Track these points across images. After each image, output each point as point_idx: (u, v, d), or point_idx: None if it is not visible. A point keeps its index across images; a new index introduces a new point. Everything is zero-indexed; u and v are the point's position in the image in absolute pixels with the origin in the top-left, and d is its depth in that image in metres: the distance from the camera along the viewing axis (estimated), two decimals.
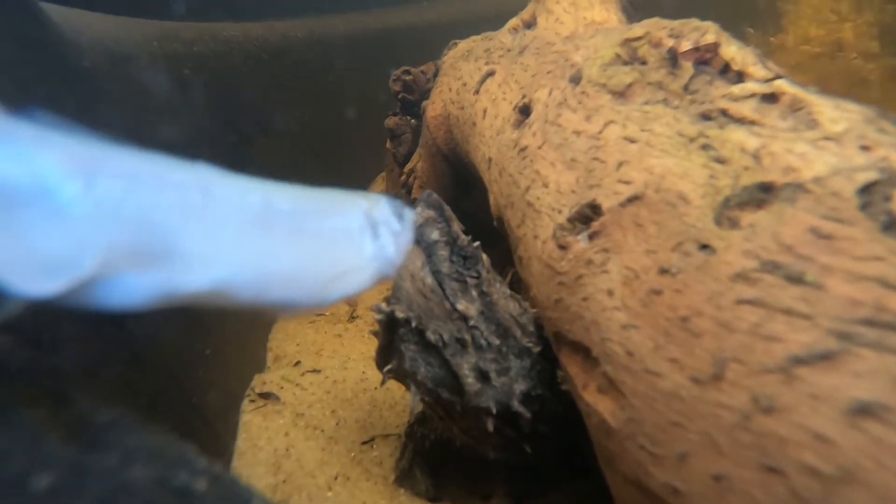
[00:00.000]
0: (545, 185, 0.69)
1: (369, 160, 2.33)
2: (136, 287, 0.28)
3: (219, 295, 0.32)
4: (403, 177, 1.69)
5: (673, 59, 0.68)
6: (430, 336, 0.66)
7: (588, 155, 0.63)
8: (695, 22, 0.74)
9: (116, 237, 0.27)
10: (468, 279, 0.70)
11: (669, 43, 0.70)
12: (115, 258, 0.27)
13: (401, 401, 1.03)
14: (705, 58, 0.69)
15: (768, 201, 0.43)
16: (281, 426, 0.93)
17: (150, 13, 1.28)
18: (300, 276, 0.35)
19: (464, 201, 1.69)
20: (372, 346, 0.77)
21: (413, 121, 1.99)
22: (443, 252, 0.70)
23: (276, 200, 0.36)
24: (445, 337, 0.66)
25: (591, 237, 0.56)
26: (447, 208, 0.75)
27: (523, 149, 0.78)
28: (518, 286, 1.22)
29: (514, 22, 1.19)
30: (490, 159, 0.94)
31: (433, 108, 1.49)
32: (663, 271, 0.45)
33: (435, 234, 0.71)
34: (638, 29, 0.72)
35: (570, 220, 0.61)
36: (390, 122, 2.04)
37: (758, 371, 0.33)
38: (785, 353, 0.32)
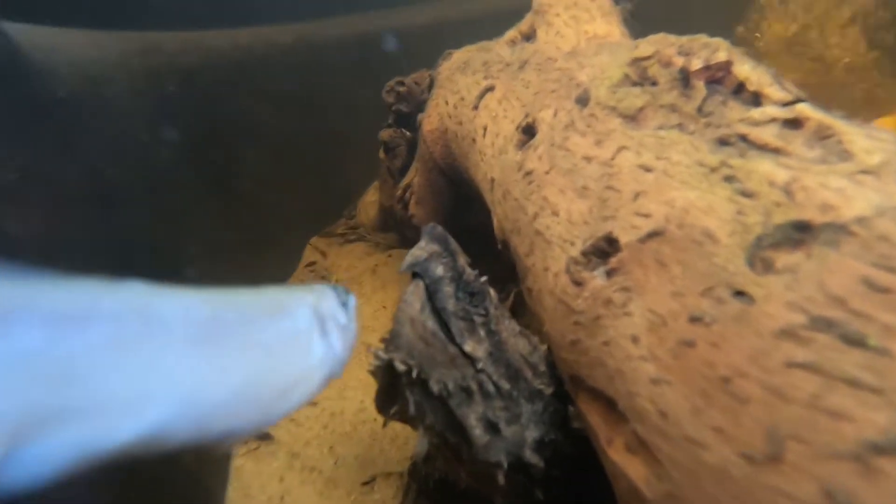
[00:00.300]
0: (555, 214, 0.65)
1: (360, 169, 2.27)
2: (51, 453, 0.24)
3: (152, 442, 0.28)
4: (399, 192, 1.66)
5: (685, 79, 0.65)
6: (434, 386, 0.61)
7: (601, 183, 0.60)
8: (703, 38, 0.71)
9: (31, 399, 0.23)
10: (475, 317, 0.65)
11: (680, 62, 0.67)
12: (27, 425, 0.23)
13: (402, 433, 0.99)
14: (717, 77, 0.66)
15: (806, 242, 0.40)
16: (275, 470, 0.88)
17: (127, 23, 1.19)
18: (246, 399, 0.32)
19: (466, 215, 1.66)
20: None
21: (408, 133, 1.96)
22: (448, 288, 0.65)
23: (221, 309, 0.33)
24: (450, 386, 0.61)
25: (609, 274, 0.52)
26: (452, 241, 0.71)
27: (529, 172, 0.74)
28: (521, 309, 1.18)
29: (511, 34, 1.16)
30: (493, 180, 0.91)
31: (430, 121, 1.45)
32: (694, 319, 0.41)
33: (440, 270, 0.66)
34: (646, 47, 0.69)
35: (584, 253, 0.57)
36: (384, 134, 2.00)
37: (826, 455, 0.29)
38: (858, 437, 0.29)
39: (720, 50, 0.67)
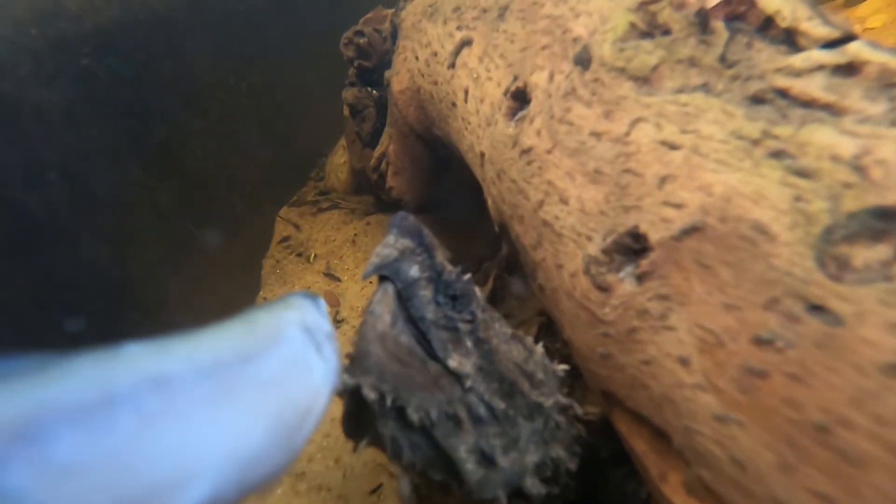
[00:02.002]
0: (564, 202, 0.57)
1: (322, 126, 2.09)
2: None
3: None
4: (373, 161, 1.53)
5: (703, 22, 0.55)
6: (413, 415, 0.50)
7: (616, 165, 0.52)
8: None
9: None
10: (460, 325, 0.53)
11: (695, 0, 0.57)
12: None
13: None
14: (738, 12, 0.56)
15: (891, 233, 0.33)
16: (280, 498, 0.83)
17: None
18: (274, 439, 0.31)
19: (444, 177, 1.55)
20: None
21: (374, 92, 1.79)
22: (425, 292, 0.53)
23: (222, 355, 0.30)
24: (433, 414, 0.51)
25: (641, 279, 0.46)
26: (427, 233, 0.57)
27: (526, 150, 0.65)
28: (502, 293, 1.11)
29: None
30: (482, 154, 0.81)
31: (399, 80, 1.31)
32: (761, 342, 0.35)
33: (414, 271, 0.53)
34: None
35: (605, 251, 0.50)
36: (348, 95, 1.82)
37: None
38: None
39: None
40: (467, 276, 0.58)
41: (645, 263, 0.45)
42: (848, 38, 0.46)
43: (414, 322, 0.52)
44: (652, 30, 0.56)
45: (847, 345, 0.31)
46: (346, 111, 1.81)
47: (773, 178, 0.40)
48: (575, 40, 0.62)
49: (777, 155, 0.41)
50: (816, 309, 0.33)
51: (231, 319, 0.33)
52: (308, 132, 2.10)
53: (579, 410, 0.60)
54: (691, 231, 0.43)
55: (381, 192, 1.62)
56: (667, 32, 0.55)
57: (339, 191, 2.13)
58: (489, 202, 0.81)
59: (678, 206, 0.44)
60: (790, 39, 0.51)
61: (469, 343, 0.54)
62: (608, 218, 0.51)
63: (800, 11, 0.50)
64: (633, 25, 0.57)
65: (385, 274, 0.52)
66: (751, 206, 0.40)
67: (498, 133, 0.74)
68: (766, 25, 0.53)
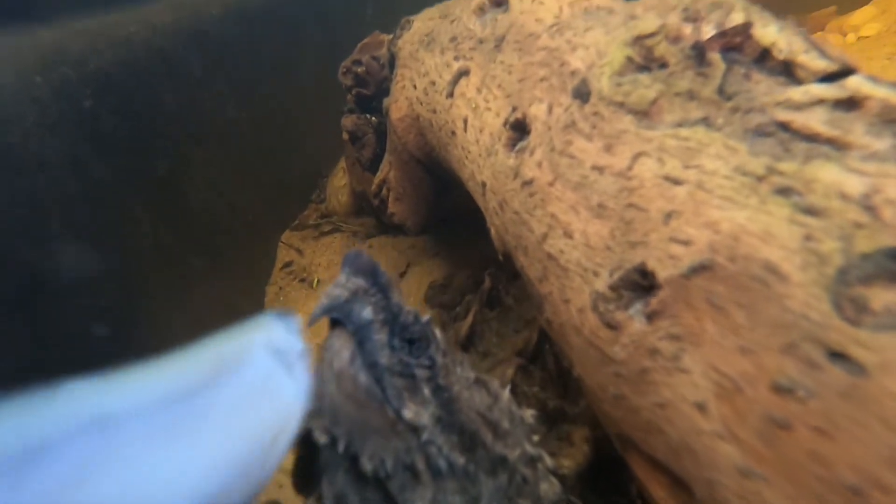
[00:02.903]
0: (568, 236, 0.56)
1: (321, 148, 2.09)
2: None
3: None
4: (374, 187, 1.54)
5: (699, 55, 0.55)
6: (367, 464, 0.47)
7: (620, 200, 0.51)
8: None
9: None
10: (417, 371, 0.49)
11: (689, 31, 0.57)
12: None
13: None
14: (734, 43, 0.56)
15: None
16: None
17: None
18: (242, 465, 0.30)
19: (444, 199, 1.56)
20: None
21: (373, 118, 1.81)
22: (380, 336, 0.49)
23: (180, 385, 0.29)
24: (388, 464, 0.47)
25: (651, 317, 0.45)
26: (383, 272, 0.54)
27: (528, 182, 0.65)
28: (500, 296, 1.08)
29: (478, 0, 1.01)
30: (484, 184, 0.81)
31: (397, 108, 1.32)
32: (782, 390, 0.34)
33: (367, 313, 0.50)
34: (649, 20, 0.58)
35: (613, 288, 0.49)
36: (347, 121, 1.84)
37: None
38: None
39: (735, 10, 0.57)
40: (426, 318, 0.54)
41: (654, 301, 0.45)
42: (846, 71, 0.46)
43: (368, 368, 0.48)
44: (649, 63, 0.56)
45: (873, 397, 0.30)
46: (345, 136, 1.83)
47: (780, 216, 0.40)
48: (573, 73, 0.63)
49: (784, 192, 0.41)
50: (837, 356, 0.33)
51: (193, 346, 0.32)
52: (308, 154, 2.11)
53: (549, 462, 0.56)
54: (700, 269, 0.42)
55: (383, 216, 1.63)
56: (664, 66, 0.55)
57: (341, 213, 2.13)
58: (492, 231, 0.80)
59: (685, 243, 0.44)
60: (788, 71, 0.51)
61: (426, 391, 0.50)
62: (614, 253, 0.51)
63: (796, 44, 0.50)
64: (629, 59, 0.57)
65: (336, 317, 0.49)
66: (760, 244, 0.39)
67: (499, 163, 0.74)
68: (763, 57, 0.53)
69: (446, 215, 1.65)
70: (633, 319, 0.46)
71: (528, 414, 0.58)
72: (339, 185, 2.15)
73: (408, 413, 0.47)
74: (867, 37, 2.08)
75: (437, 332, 0.54)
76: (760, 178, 0.42)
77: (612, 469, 0.74)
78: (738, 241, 0.40)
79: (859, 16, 2.17)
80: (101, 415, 0.25)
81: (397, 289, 0.54)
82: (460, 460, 0.49)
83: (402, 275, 1.83)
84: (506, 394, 0.57)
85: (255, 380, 0.33)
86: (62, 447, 0.23)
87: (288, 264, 1.98)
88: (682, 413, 0.40)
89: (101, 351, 0.75)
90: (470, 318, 1.06)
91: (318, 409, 0.47)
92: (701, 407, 0.38)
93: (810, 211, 0.39)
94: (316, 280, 1.91)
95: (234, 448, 0.30)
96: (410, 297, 1.71)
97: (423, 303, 1.68)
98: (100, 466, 0.24)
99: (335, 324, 0.50)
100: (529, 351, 0.92)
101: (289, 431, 0.34)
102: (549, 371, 0.88)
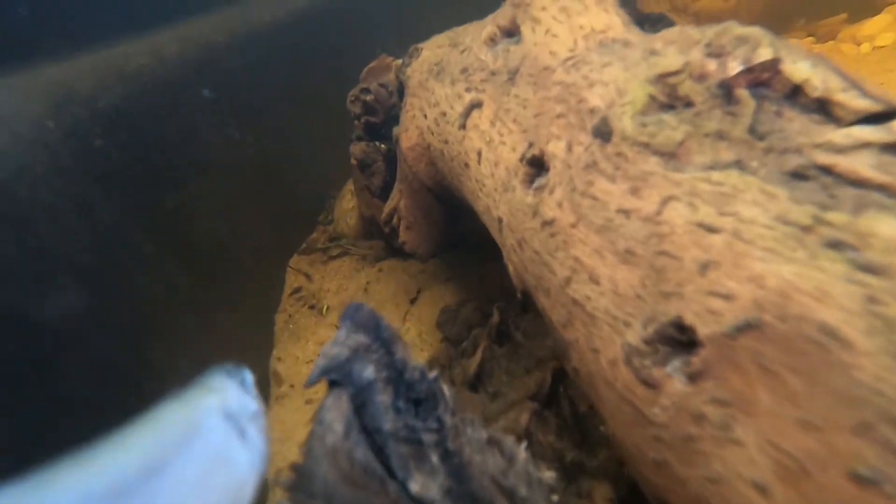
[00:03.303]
0: (594, 282, 0.54)
1: (327, 169, 2.09)
2: None
3: None
4: (385, 216, 1.53)
5: (726, 93, 0.53)
6: None
7: (650, 246, 0.49)
8: (735, 29, 0.58)
9: None
10: (424, 436, 0.45)
11: (713, 68, 0.55)
12: None
13: None
14: (762, 79, 0.54)
15: None
16: None
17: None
18: None
19: (455, 225, 1.54)
20: None
21: (383, 146, 1.81)
22: (383, 397, 0.45)
23: (120, 470, 0.27)
24: None
25: (693, 378, 0.42)
26: (386, 326, 0.50)
27: (548, 222, 0.63)
28: (493, 366, 1.02)
29: (489, 30, 1.00)
30: (500, 220, 0.79)
31: (408, 137, 1.31)
32: (861, 480, 0.31)
33: (369, 372, 0.46)
34: (670, 56, 0.56)
35: (647, 342, 0.46)
36: (356, 149, 1.84)
37: None
38: None
39: (762, 45, 0.55)
40: (433, 374, 0.49)
41: (696, 361, 0.41)
42: (891, 112, 0.43)
43: (370, 434, 0.44)
44: (673, 102, 0.54)
45: None
46: (354, 163, 1.82)
47: (835, 273, 0.37)
48: (591, 111, 0.61)
49: (835, 246, 0.38)
50: None
51: (139, 421, 0.31)
52: (315, 175, 2.11)
53: None
54: (746, 328, 0.39)
55: (394, 242, 1.61)
56: (689, 105, 0.53)
57: (349, 236, 2.12)
58: (510, 268, 0.78)
59: (727, 298, 0.41)
60: (824, 109, 0.48)
61: (435, 458, 0.45)
62: (646, 303, 0.48)
63: (832, 81, 0.48)
64: (652, 98, 0.55)
65: (334, 378, 0.45)
66: (814, 304, 0.36)
67: (516, 200, 0.72)
68: (795, 93, 0.51)
69: (457, 240, 1.63)
70: (673, 378, 0.43)
71: (548, 476, 0.53)
72: (347, 207, 2.14)
73: (415, 486, 0.43)
74: (882, 47, 2.04)
75: (446, 389, 0.49)
76: (806, 229, 0.40)
77: None
78: (788, 298, 0.37)
79: (873, 25, 2.13)
80: None
81: (402, 342, 0.50)
82: None
83: (414, 301, 1.81)
84: (522, 453, 0.52)
85: (207, 454, 0.31)
86: None
87: (297, 290, 1.96)
88: (739, 493, 0.36)
89: (111, 399, 0.73)
90: (478, 356, 1.02)
91: (311, 492, 0.42)
92: (761, 488, 0.35)
93: (870, 269, 0.36)
94: (326, 307, 1.88)
95: None
96: (422, 323, 1.68)
97: (436, 329, 1.65)
98: None
99: (333, 385, 0.46)
100: (544, 394, 0.88)
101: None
102: (565, 417, 0.84)
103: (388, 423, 0.44)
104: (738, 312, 0.40)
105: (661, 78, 0.55)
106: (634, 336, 0.48)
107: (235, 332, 1.44)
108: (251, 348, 1.56)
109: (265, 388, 1.50)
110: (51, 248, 0.72)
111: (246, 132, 1.71)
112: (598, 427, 0.83)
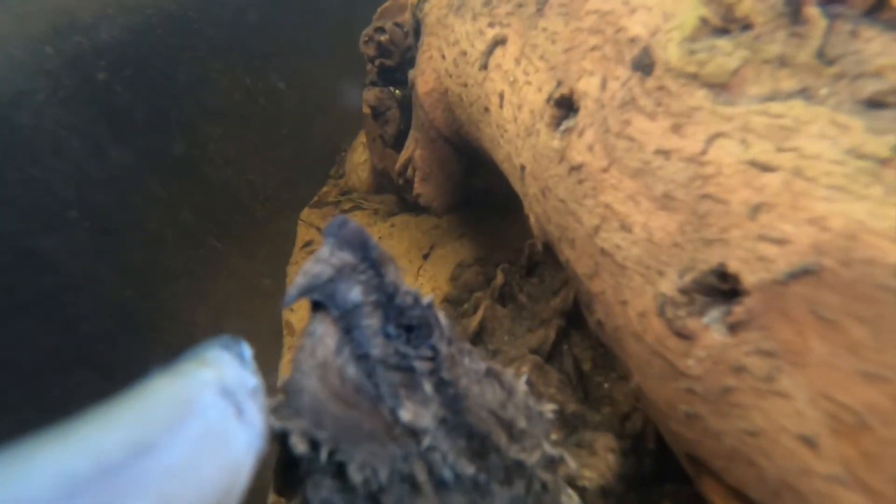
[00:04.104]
0: (626, 230, 0.50)
1: (338, 121, 2.02)
2: None
3: None
4: (399, 166, 1.48)
5: (793, 11, 0.46)
6: (356, 475, 0.39)
7: (692, 190, 0.44)
8: None
9: None
10: (416, 364, 0.42)
11: None
12: None
13: None
14: None
15: None
16: None
17: None
18: None
19: (473, 179, 1.48)
20: None
21: (397, 91, 1.72)
22: (371, 321, 0.41)
23: (111, 445, 0.25)
24: (382, 475, 0.39)
25: (734, 328, 0.38)
26: (375, 245, 0.45)
27: (576, 167, 0.58)
28: (495, 325, 0.98)
29: None
30: (523, 167, 0.74)
31: (424, 81, 1.24)
32: None
33: (355, 294, 0.42)
34: None
35: (684, 291, 0.43)
36: (369, 95, 1.76)
37: None
38: None
39: None
40: (428, 299, 0.45)
41: (739, 310, 0.38)
42: None
43: (358, 360, 0.41)
44: (728, 25, 0.48)
45: None
46: (366, 111, 1.75)
47: None
48: (631, 41, 0.54)
49: None
50: None
51: (130, 395, 0.29)
52: (326, 128, 2.05)
53: (573, 466, 0.48)
54: (801, 275, 0.35)
55: (407, 194, 1.57)
56: (747, 27, 0.47)
57: (361, 190, 2.08)
58: (531, 219, 0.74)
59: (780, 243, 0.37)
60: None
61: (428, 387, 0.42)
62: (684, 251, 0.44)
63: None
64: (704, 21, 0.49)
65: (317, 299, 0.41)
66: (889, 246, 0.32)
67: (541, 145, 0.67)
68: (878, 6, 0.44)
69: (474, 196, 1.58)
70: (710, 329, 0.40)
71: (548, 409, 0.50)
72: (358, 161, 2.09)
73: (405, 414, 0.40)
74: None
75: (441, 317, 0.45)
76: (885, 162, 0.35)
77: (644, 487, 0.66)
78: (856, 240, 0.33)
79: None
80: (14, 500, 0.21)
81: (393, 264, 0.45)
82: (469, 469, 0.42)
83: (426, 256, 1.79)
84: (521, 386, 0.48)
85: (201, 432, 0.29)
86: None
87: (308, 243, 1.95)
88: (783, 446, 0.34)
89: (124, 343, 0.73)
90: (480, 314, 0.98)
91: (297, 408, 0.39)
92: (810, 442, 0.32)
93: None
94: None
95: None
96: (436, 279, 1.66)
97: (450, 284, 1.63)
98: None
99: (317, 307, 0.42)
100: (546, 350, 0.85)
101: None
102: (568, 373, 0.82)
103: (376, 348, 0.40)
104: (793, 258, 0.36)
105: None
106: (669, 286, 0.44)
107: (249, 285, 1.44)
108: (265, 302, 1.57)
109: (278, 338, 1.52)
110: (57, 181, 0.69)
111: (257, 78, 1.64)
112: (602, 384, 0.81)
